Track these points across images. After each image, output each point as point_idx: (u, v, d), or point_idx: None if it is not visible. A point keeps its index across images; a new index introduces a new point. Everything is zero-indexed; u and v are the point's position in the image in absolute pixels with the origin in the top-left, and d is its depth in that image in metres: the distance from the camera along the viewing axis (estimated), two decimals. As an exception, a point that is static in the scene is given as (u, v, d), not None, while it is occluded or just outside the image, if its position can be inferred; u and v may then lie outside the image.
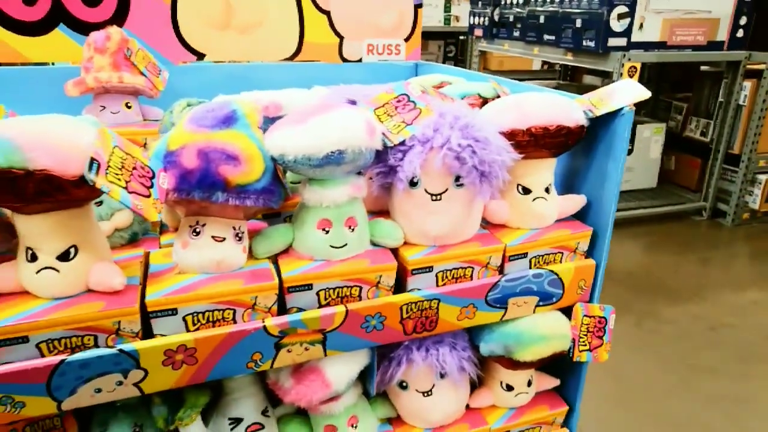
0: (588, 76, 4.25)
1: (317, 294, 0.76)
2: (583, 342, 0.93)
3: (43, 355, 0.64)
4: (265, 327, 0.75)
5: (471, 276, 0.85)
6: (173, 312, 0.69)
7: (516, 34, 3.36)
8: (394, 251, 0.83)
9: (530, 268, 0.88)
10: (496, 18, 3.59)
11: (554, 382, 1.05)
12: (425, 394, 0.94)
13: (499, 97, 1.01)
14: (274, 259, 0.79)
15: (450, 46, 5.25)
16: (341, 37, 1.54)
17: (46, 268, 0.64)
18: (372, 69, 1.57)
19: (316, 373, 0.84)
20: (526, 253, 0.86)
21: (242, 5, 1.42)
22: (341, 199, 0.77)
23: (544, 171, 0.89)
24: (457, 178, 0.79)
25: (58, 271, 0.64)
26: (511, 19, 3.40)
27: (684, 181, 3.30)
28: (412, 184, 0.80)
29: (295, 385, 0.85)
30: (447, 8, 4.91)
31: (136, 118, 1.14)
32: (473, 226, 0.86)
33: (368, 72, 1.56)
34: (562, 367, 1.03)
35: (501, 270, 0.86)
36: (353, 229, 0.79)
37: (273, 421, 0.90)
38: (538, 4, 3.07)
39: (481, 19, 3.85)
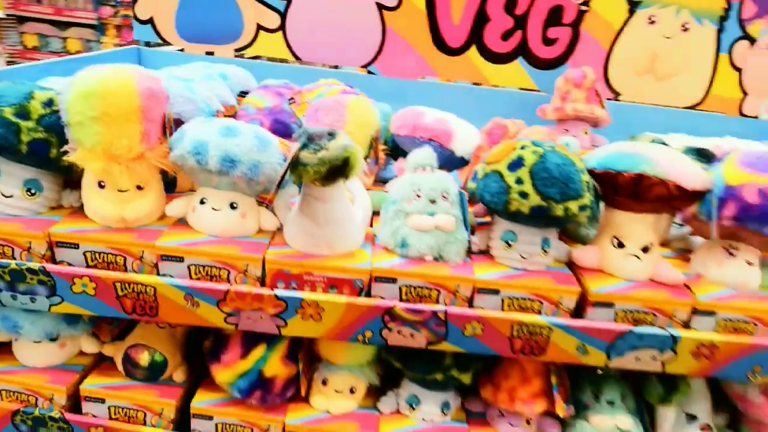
0: None
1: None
2: None
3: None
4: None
5: None
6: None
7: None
8: None
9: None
10: None
11: None
12: None
13: None
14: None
15: None
16: (745, 94, 1.65)
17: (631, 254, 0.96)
18: (764, 127, 1.64)
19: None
20: None
21: (668, 56, 1.58)
22: None
23: None
24: None
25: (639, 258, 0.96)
26: None
27: None
28: None
29: (765, 401, 1.04)
30: None
31: (587, 143, 1.35)
32: None
33: (763, 131, 1.63)
34: None
35: None
36: None
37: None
38: None
39: None
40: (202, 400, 1.06)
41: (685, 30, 1.64)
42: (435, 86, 1.70)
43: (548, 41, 1.64)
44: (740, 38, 1.65)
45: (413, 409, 1.09)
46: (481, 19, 1.64)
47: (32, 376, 1.04)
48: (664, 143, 1.24)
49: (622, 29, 1.64)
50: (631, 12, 1.63)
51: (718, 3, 1.62)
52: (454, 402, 1.11)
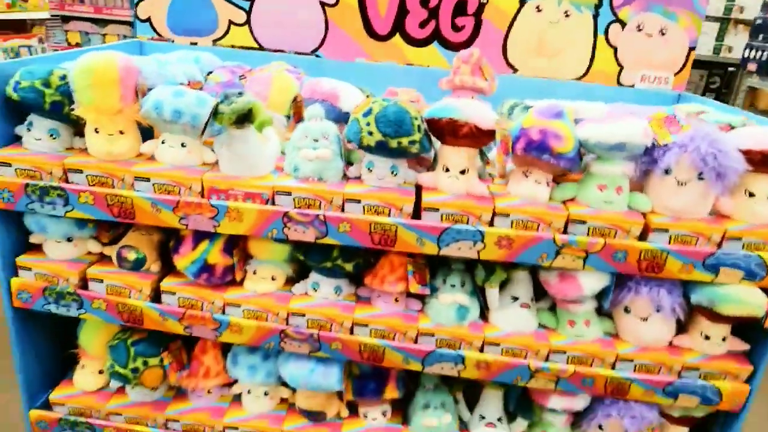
0: None
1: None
2: (775, 316, 1.31)
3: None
4: (553, 239, 1.34)
5: (695, 244, 1.33)
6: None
7: (798, 74, 2.73)
8: (644, 215, 1.35)
9: (742, 249, 1.32)
10: (778, 54, 3.09)
11: (745, 346, 1.45)
12: (642, 320, 1.44)
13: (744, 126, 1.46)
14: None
15: (714, 77, 4.84)
16: (621, 67, 2.04)
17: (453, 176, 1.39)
18: (642, 94, 2.02)
19: (574, 279, 1.41)
20: (741, 238, 1.32)
21: (554, 38, 2.00)
22: (617, 173, 1.34)
23: (768, 183, 1.31)
24: (700, 174, 1.29)
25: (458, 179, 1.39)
26: (795, 57, 2.83)
27: None
28: (666, 172, 1.32)
29: (558, 282, 1.43)
30: (720, 37, 4.52)
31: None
32: (704, 210, 1.35)
33: (639, 96, 2.00)
34: (754, 339, 1.46)
35: (719, 245, 1.33)
36: (620, 194, 1.36)
37: (534, 308, 1.52)
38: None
39: (759, 53, 3.52)
40: (168, 282, 1.54)
41: (567, 16, 2.02)
42: (367, 66, 2.13)
43: (457, 28, 2.06)
44: (613, 22, 2.03)
45: (315, 291, 1.54)
46: (402, 11, 2.06)
47: (55, 265, 1.54)
48: (528, 107, 1.64)
49: (515, 17, 2.03)
50: (522, 3, 2.02)
51: (593, -6, 2.01)
52: (347, 288, 1.56)
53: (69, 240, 1.55)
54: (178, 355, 1.61)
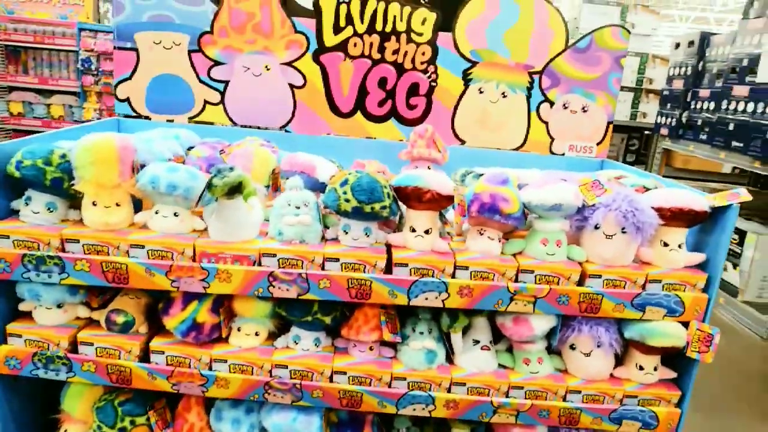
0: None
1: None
2: (695, 346, 1.57)
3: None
4: (507, 287, 1.56)
5: (624, 287, 1.57)
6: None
7: (703, 137, 3.40)
8: (581, 264, 1.60)
9: (662, 290, 1.58)
10: (684, 120, 3.79)
11: (672, 374, 1.67)
12: (586, 355, 1.64)
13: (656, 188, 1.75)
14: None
15: (634, 140, 5.59)
16: (553, 139, 2.38)
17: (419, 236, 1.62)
18: (571, 161, 2.38)
19: (526, 321, 1.61)
20: (661, 280, 1.57)
21: (494, 114, 2.33)
22: (555, 229, 1.59)
23: (679, 235, 1.60)
24: (623, 228, 1.55)
25: (423, 238, 1.62)
26: (699, 122, 3.47)
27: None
28: (596, 228, 1.58)
29: (513, 325, 1.62)
30: (635, 105, 5.30)
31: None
32: (629, 258, 1.60)
33: (568, 163, 2.35)
34: (680, 366, 1.67)
35: (644, 287, 1.58)
36: (559, 246, 1.59)
37: (494, 350, 1.71)
38: (729, 111, 3.11)
39: (669, 119, 3.98)
40: (157, 342, 1.64)
41: (505, 96, 2.35)
42: (333, 139, 2.36)
43: (411, 107, 2.34)
44: (543, 101, 2.37)
45: (296, 344, 1.68)
46: (362, 92, 2.33)
47: (46, 331, 1.61)
48: (479, 175, 1.89)
49: (461, 97, 2.34)
50: (466, 85, 2.33)
51: (524, 79, 2.34)
52: (325, 340, 1.71)
53: (59, 306, 1.64)
54: (163, 414, 1.69)
